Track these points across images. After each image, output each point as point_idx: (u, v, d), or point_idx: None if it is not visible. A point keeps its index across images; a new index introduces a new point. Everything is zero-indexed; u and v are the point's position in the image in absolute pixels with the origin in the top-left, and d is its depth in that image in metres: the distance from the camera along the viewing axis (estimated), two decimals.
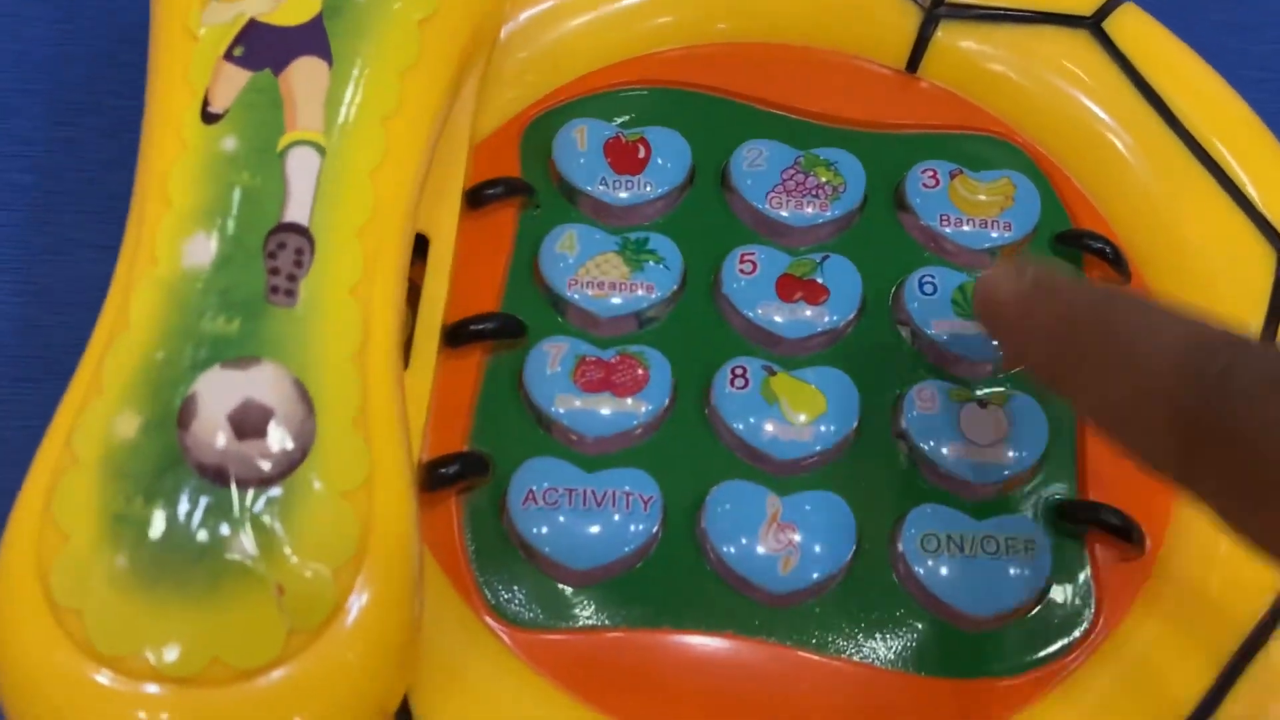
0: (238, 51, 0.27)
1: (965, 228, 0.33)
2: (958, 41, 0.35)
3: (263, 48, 0.27)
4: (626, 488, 0.29)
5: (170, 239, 0.25)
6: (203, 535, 0.23)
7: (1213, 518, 0.23)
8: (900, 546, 0.29)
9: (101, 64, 0.40)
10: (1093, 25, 0.35)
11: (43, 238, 0.37)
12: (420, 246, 0.30)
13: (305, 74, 0.26)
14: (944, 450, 0.30)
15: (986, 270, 0.31)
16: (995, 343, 0.31)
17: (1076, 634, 0.28)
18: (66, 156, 0.38)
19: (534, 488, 0.29)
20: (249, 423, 0.23)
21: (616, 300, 0.31)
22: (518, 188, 0.32)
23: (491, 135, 0.34)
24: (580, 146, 0.33)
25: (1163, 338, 0.25)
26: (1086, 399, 0.27)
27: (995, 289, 0.29)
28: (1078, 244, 0.33)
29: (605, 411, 0.30)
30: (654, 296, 0.31)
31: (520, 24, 0.34)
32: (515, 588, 0.28)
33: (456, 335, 0.30)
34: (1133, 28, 0.35)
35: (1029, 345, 0.28)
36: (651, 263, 0.31)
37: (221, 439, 0.23)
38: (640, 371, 0.30)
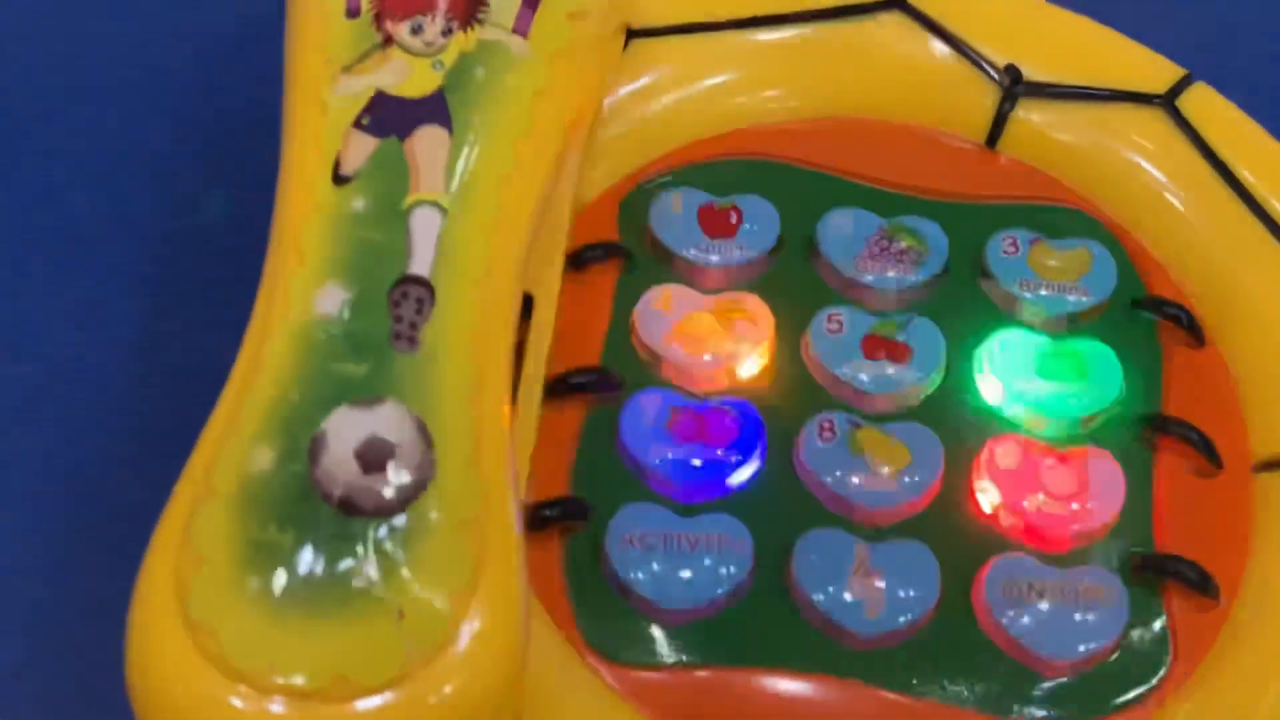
0: (365, 120, 0.29)
1: (1044, 292, 0.34)
2: (1035, 118, 0.37)
3: (389, 117, 0.29)
4: (719, 533, 0.30)
5: (303, 290, 0.27)
6: (331, 561, 0.24)
7: None
8: (983, 594, 0.30)
9: (213, 148, 0.43)
10: (1165, 102, 0.37)
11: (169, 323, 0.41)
12: (526, 305, 0.32)
13: (428, 141, 0.29)
14: (1023, 503, 0.31)
15: None
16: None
17: (1154, 680, 0.29)
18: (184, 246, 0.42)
19: (631, 532, 0.30)
20: (374, 457, 0.25)
21: (708, 357, 0.33)
22: (616, 251, 0.34)
23: (593, 203, 0.36)
24: (675, 211, 0.35)
25: None
26: None
27: None
28: (1153, 309, 0.34)
29: (698, 461, 0.31)
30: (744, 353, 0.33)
31: (620, 100, 0.36)
32: (613, 625, 0.30)
33: (558, 388, 0.32)
34: (1204, 105, 0.37)
35: None
36: (742, 321, 0.33)
37: (349, 472, 0.25)
38: (731, 423, 0.32)
